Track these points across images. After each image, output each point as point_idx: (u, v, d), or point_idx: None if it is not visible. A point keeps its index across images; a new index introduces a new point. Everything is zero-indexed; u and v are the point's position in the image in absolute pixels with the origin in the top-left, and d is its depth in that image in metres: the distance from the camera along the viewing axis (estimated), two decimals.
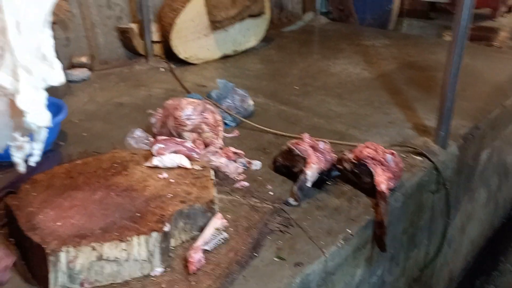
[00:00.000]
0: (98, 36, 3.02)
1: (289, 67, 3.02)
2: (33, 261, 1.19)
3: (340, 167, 1.62)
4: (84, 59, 2.83)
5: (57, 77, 0.68)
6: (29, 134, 0.79)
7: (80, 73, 2.74)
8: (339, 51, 3.33)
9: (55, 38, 2.51)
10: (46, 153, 1.90)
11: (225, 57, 3.14)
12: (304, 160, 1.57)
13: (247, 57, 3.19)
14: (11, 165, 1.74)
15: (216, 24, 2.92)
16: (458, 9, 1.69)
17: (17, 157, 0.81)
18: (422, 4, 5.46)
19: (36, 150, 0.79)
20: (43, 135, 0.74)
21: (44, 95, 0.66)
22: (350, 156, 1.58)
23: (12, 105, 0.68)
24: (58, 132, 1.96)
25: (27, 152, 0.80)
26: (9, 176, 1.70)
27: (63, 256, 1.12)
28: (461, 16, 1.69)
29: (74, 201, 1.32)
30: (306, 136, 1.63)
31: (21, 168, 0.86)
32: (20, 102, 0.64)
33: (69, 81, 2.60)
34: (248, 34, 3.19)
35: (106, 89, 2.64)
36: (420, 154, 1.83)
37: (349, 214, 1.47)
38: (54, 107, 1.96)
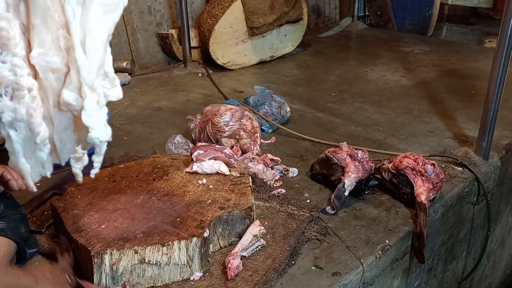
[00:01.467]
0: (138, 41, 3.10)
1: (325, 73, 3.01)
2: (79, 262, 1.24)
3: (379, 176, 1.60)
4: (125, 64, 2.92)
5: (117, 93, 0.71)
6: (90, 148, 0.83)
7: (121, 78, 2.82)
8: (377, 57, 3.29)
9: (111, 44, 2.60)
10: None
11: (262, 63, 3.16)
12: (342, 169, 1.56)
13: (284, 62, 3.21)
14: (56, 167, 1.83)
15: (254, 30, 2.95)
16: (504, 14, 1.64)
17: (76, 168, 0.85)
18: (463, 10, 5.32)
19: (97, 163, 0.83)
20: (104, 149, 0.78)
21: (106, 111, 0.70)
22: (389, 165, 1.56)
23: (76, 120, 0.72)
24: None
25: (85, 164, 0.84)
26: (55, 178, 1.78)
27: (107, 258, 1.16)
28: (507, 21, 1.64)
29: (117, 204, 1.37)
30: (344, 145, 1.62)
31: (79, 178, 0.91)
32: (85, 119, 0.67)
33: None
34: (285, 39, 3.20)
35: (146, 93, 2.71)
36: (461, 165, 1.79)
37: (387, 225, 1.45)
38: None
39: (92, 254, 1.15)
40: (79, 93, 0.67)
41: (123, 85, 2.80)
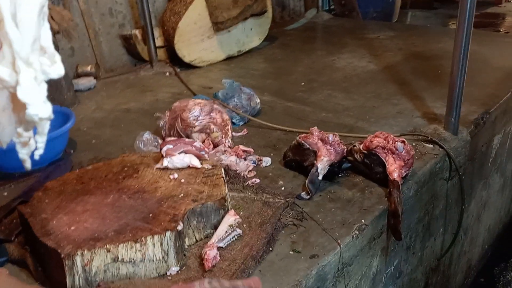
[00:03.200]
0: (102, 44, 3.04)
1: (293, 64, 3.01)
2: (50, 267, 1.20)
3: (351, 158, 1.61)
4: (89, 68, 2.85)
5: (58, 70, 0.67)
6: (33, 128, 0.78)
7: (86, 82, 2.75)
8: (343, 46, 3.32)
9: (60, 48, 2.54)
10: (56, 162, 1.94)
11: (230, 58, 3.14)
12: (314, 154, 1.56)
13: (252, 57, 3.19)
14: (23, 175, 1.77)
15: (218, 25, 2.93)
16: None
17: (23, 154, 0.80)
18: None
19: (40, 143, 0.78)
20: (46, 127, 0.73)
21: (45, 88, 0.66)
22: (360, 147, 1.57)
23: (14, 98, 0.68)
24: (67, 140, 1.97)
25: (32, 148, 0.80)
26: (22, 186, 1.72)
27: (78, 260, 1.12)
28: (465, 2, 1.67)
29: (86, 205, 1.33)
30: (314, 130, 1.62)
31: (27, 164, 0.86)
32: (21, 94, 0.64)
33: (75, 91, 2.62)
34: (251, 34, 3.19)
35: (113, 96, 2.65)
36: (431, 142, 1.81)
37: (362, 205, 1.46)
38: (62, 116, 1.98)
39: (62, 256, 1.11)
40: (13, 68, 0.64)
41: (88, 89, 2.75)
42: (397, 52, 3.11)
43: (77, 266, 1.12)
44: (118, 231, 1.20)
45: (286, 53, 3.25)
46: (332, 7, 4.45)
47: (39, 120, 0.69)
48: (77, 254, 1.12)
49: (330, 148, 1.55)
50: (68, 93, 2.48)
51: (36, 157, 0.82)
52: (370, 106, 2.26)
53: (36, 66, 0.65)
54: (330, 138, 1.57)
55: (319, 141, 1.57)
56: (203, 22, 2.92)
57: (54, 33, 2.31)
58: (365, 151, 1.55)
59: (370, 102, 2.32)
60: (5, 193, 1.68)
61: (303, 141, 1.60)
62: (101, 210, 1.30)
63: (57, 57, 0.69)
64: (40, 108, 0.66)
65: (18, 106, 0.72)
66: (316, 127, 1.65)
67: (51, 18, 2.21)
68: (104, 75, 2.99)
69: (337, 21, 4.07)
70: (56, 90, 2.37)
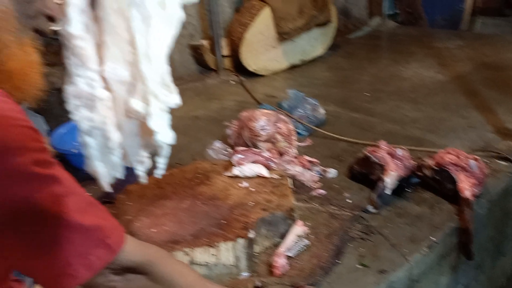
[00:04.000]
0: (173, 54, 3.18)
1: (358, 73, 3.00)
2: None
3: (420, 174, 1.59)
4: None
5: (175, 100, 0.77)
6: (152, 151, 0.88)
7: None
8: (410, 55, 3.26)
9: None
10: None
11: (293, 67, 3.19)
12: (382, 168, 1.56)
13: (315, 65, 3.22)
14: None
15: (283, 36, 2.98)
16: None
17: (140, 170, 0.93)
18: (495, 1, 5.17)
19: (161, 165, 0.90)
20: (168, 151, 0.84)
21: (168, 117, 0.75)
22: (431, 162, 1.55)
23: (142, 126, 0.78)
24: None
25: (147, 166, 0.92)
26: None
27: None
28: None
29: (165, 209, 1.42)
30: (383, 143, 1.62)
31: (143, 179, 0.99)
32: (151, 123, 0.73)
33: None
34: (315, 43, 3.22)
35: (183, 104, 2.77)
36: (505, 159, 1.75)
37: (432, 221, 1.44)
38: None
39: None
40: (145, 101, 0.73)
41: None
42: (466, 62, 3.01)
43: None
44: (195, 235, 1.27)
45: (350, 62, 3.25)
46: (397, 14, 4.36)
47: (164, 145, 0.78)
48: None
49: (399, 162, 1.55)
50: None
51: (157, 175, 0.92)
52: (439, 118, 2.21)
53: (161, 98, 0.73)
54: (399, 153, 1.56)
55: (387, 155, 1.57)
56: (269, 33, 2.99)
57: None
58: (436, 167, 1.53)
59: (439, 113, 2.27)
60: (90, 194, 1.82)
61: (370, 155, 1.60)
62: (178, 214, 1.39)
63: (174, 88, 0.77)
64: (166, 135, 0.75)
65: (145, 132, 0.82)
66: (384, 141, 1.65)
67: None
68: (174, 82, 3.13)
69: (403, 29, 4.00)
70: None
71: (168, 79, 0.76)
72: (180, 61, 3.24)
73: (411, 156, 1.61)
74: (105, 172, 0.97)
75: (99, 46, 0.75)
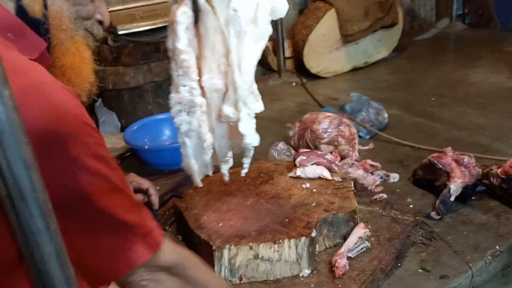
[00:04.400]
0: None
1: (423, 77, 2.94)
2: (200, 255, 1.38)
3: (486, 182, 1.56)
4: None
5: (260, 107, 0.85)
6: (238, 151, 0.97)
7: None
8: (479, 58, 3.14)
9: None
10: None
11: (356, 69, 3.18)
12: (447, 174, 1.55)
13: (378, 68, 3.19)
14: (172, 172, 2.03)
15: (348, 38, 2.99)
16: None
17: (224, 169, 1.03)
18: None
19: (246, 164, 1.01)
20: (252, 152, 0.93)
21: (254, 122, 0.83)
22: (498, 171, 1.52)
23: (231, 129, 0.87)
24: None
25: (231, 165, 1.01)
26: (170, 182, 1.98)
27: (226, 253, 1.29)
28: None
29: (230, 205, 1.50)
30: (448, 150, 1.61)
31: (226, 178, 1.10)
32: (241, 128, 0.81)
33: None
34: (379, 45, 3.19)
35: None
36: None
37: (497, 230, 1.42)
38: None
39: (213, 248, 1.29)
40: (236, 108, 0.81)
41: None
42: None
43: (224, 258, 1.29)
44: (259, 231, 1.34)
45: (415, 65, 3.19)
46: (466, 15, 4.20)
47: (251, 147, 0.87)
48: (225, 248, 1.29)
49: (465, 170, 1.53)
50: None
51: (243, 174, 1.02)
52: (508, 127, 2.14)
53: (250, 105, 0.81)
54: (465, 160, 1.55)
55: (453, 162, 1.56)
56: (333, 35, 3.01)
57: None
58: (504, 176, 1.50)
59: (508, 122, 2.19)
60: (158, 187, 1.95)
61: (436, 161, 1.60)
62: (243, 211, 1.46)
63: (259, 96, 0.85)
64: (253, 138, 0.83)
65: (232, 135, 0.91)
66: (450, 148, 1.63)
67: None
68: None
69: (472, 32, 3.85)
70: None
71: (255, 88, 0.84)
72: None
73: (477, 164, 1.58)
74: (198, 169, 1.08)
75: (198, 59, 0.84)
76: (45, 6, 0.89)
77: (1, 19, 0.83)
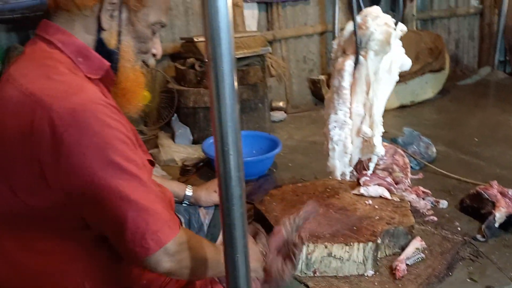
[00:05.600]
0: (293, 85, 3.61)
1: (466, 118, 3.19)
2: None
3: None
4: (281, 104, 3.43)
5: (382, 128, 1.16)
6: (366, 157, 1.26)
7: (279, 115, 3.33)
8: None
9: (271, 87, 3.16)
10: (264, 177, 2.47)
11: (403, 107, 3.44)
12: (493, 204, 1.79)
13: (424, 107, 3.45)
14: (247, 181, 2.31)
15: (399, 78, 3.26)
16: None
17: (347, 170, 1.34)
18: None
19: (371, 167, 1.31)
20: (376, 159, 1.24)
21: (381, 139, 1.12)
22: None
23: (364, 142, 1.16)
24: (273, 161, 2.50)
25: (351, 169, 1.33)
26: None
27: (304, 249, 1.55)
28: None
29: None
30: (494, 183, 1.85)
31: (345, 177, 1.41)
32: (375, 141, 1.10)
33: (272, 121, 3.20)
34: (426, 86, 3.46)
35: (300, 129, 3.16)
36: None
37: None
38: (270, 142, 2.53)
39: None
40: (371, 127, 1.11)
41: (280, 121, 3.31)
42: None
43: (303, 253, 1.55)
44: (332, 234, 1.60)
45: (459, 107, 3.43)
46: (507, 63, 4.44)
47: (380, 155, 1.17)
48: (304, 244, 1.55)
49: (509, 201, 1.76)
50: (268, 123, 3.06)
51: (368, 174, 1.33)
52: None
53: (379, 127, 1.11)
54: (510, 193, 1.78)
55: (499, 193, 1.79)
56: None
57: (271, 76, 2.92)
58: None
59: None
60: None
61: (482, 191, 1.84)
62: (316, 217, 1.73)
63: (382, 121, 1.15)
64: (381, 149, 1.12)
65: (364, 146, 1.21)
66: (495, 181, 1.87)
67: (271, 65, 2.82)
68: (291, 110, 3.54)
69: None
70: (261, 120, 2.96)
71: (381, 116, 1.16)
72: (298, 91, 3.65)
73: None
74: (340, 167, 1.40)
75: (351, 93, 1.15)
76: (119, 41, 1.11)
77: (74, 47, 1.07)
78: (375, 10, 1.24)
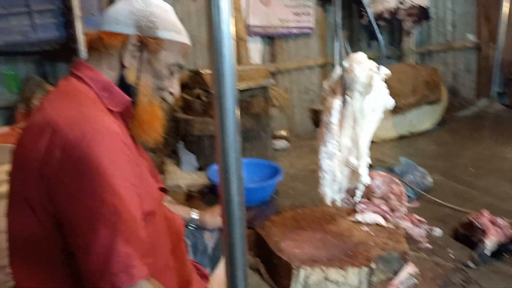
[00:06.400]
0: (295, 114, 3.74)
1: (462, 149, 3.29)
2: (278, 274, 1.73)
3: None
4: (284, 133, 3.55)
5: (369, 161, 1.27)
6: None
7: (281, 144, 3.45)
8: None
9: (274, 116, 3.27)
10: (266, 203, 2.56)
11: (401, 137, 3.56)
12: (483, 232, 1.87)
13: (422, 138, 3.56)
14: (247, 208, 2.41)
15: (396, 110, 3.39)
16: None
17: (338, 197, 1.44)
18: None
19: (358, 196, 1.42)
20: (363, 187, 1.34)
21: (367, 170, 1.24)
22: None
23: (352, 172, 1.27)
24: (274, 188, 2.59)
25: (343, 196, 1.44)
26: (246, 216, 2.35)
27: (302, 272, 1.63)
28: None
29: (302, 237, 1.86)
30: (485, 211, 1.94)
31: (338, 203, 1.53)
32: (361, 171, 1.21)
33: (274, 150, 3.32)
34: (423, 118, 3.58)
35: (301, 158, 3.27)
36: None
37: None
38: (271, 169, 2.63)
39: (293, 267, 1.64)
40: (358, 159, 1.23)
41: (282, 150, 3.42)
42: None
43: (300, 276, 1.64)
44: (329, 258, 1.69)
45: (455, 138, 3.54)
46: (504, 95, 4.56)
47: (364, 184, 1.28)
48: (302, 268, 1.63)
49: (499, 230, 1.85)
50: (270, 151, 3.18)
51: (356, 200, 1.44)
52: None
53: (365, 158, 1.23)
54: (499, 221, 1.87)
55: (489, 222, 1.88)
56: None
57: (274, 106, 3.05)
58: None
59: None
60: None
61: (474, 220, 1.92)
62: (313, 242, 1.82)
63: (368, 154, 1.27)
64: (367, 178, 1.23)
65: (352, 176, 1.32)
66: (486, 210, 1.96)
67: (273, 96, 2.95)
68: (293, 139, 3.66)
69: (509, 113, 4.20)
70: (263, 149, 3.07)
71: (368, 148, 1.27)
72: (300, 121, 3.78)
73: (510, 227, 1.90)
74: (329, 194, 1.52)
75: (339, 128, 1.28)
76: (138, 77, 1.23)
77: (100, 83, 1.19)
78: (360, 56, 1.38)
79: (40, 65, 2.76)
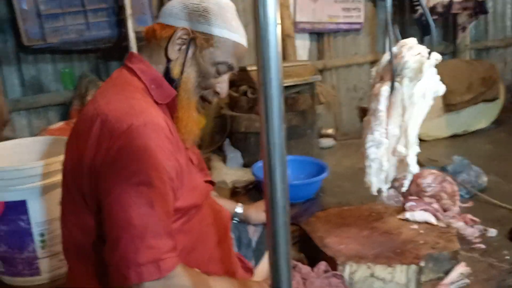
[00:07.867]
0: (342, 112, 3.68)
1: None
2: None
3: None
4: (331, 131, 3.50)
5: (418, 149, 1.24)
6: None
7: (327, 142, 3.40)
8: None
9: (320, 114, 3.26)
10: (311, 200, 2.54)
11: (454, 136, 3.41)
12: None
13: (476, 137, 3.39)
14: (292, 205, 2.40)
15: (450, 107, 3.26)
16: None
17: (384, 188, 1.43)
18: None
19: (406, 184, 1.41)
20: (411, 176, 1.32)
21: (416, 158, 1.21)
22: None
23: (399, 161, 1.25)
24: (320, 186, 2.56)
25: (389, 186, 1.42)
26: (291, 212, 2.34)
27: (347, 268, 1.60)
28: None
29: (348, 233, 1.82)
30: None
31: (381, 192, 1.53)
32: (409, 160, 1.19)
33: (320, 148, 3.28)
34: (479, 116, 3.41)
35: (349, 156, 3.21)
36: None
37: None
38: (317, 166, 2.61)
39: (338, 263, 1.61)
40: (406, 147, 1.20)
41: (328, 148, 3.38)
42: None
43: (346, 272, 1.60)
44: (375, 255, 1.65)
45: None
46: None
47: (413, 172, 1.26)
48: (348, 264, 1.60)
49: None
50: (316, 149, 3.14)
51: (403, 189, 1.40)
52: None
53: (414, 147, 1.19)
54: None
55: None
56: (436, 103, 3.29)
57: (320, 103, 3.03)
58: None
59: None
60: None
61: None
62: (359, 239, 1.78)
63: (417, 142, 1.23)
64: (415, 167, 1.20)
65: (400, 164, 1.30)
66: None
67: (320, 93, 2.93)
68: (340, 137, 3.60)
69: None
70: (309, 146, 3.04)
71: (417, 137, 1.24)
72: (348, 119, 3.71)
73: None
74: (376, 184, 1.51)
75: (387, 116, 1.25)
76: (181, 72, 1.21)
77: (150, 76, 1.20)
78: (411, 41, 1.33)
79: (94, 63, 2.88)
